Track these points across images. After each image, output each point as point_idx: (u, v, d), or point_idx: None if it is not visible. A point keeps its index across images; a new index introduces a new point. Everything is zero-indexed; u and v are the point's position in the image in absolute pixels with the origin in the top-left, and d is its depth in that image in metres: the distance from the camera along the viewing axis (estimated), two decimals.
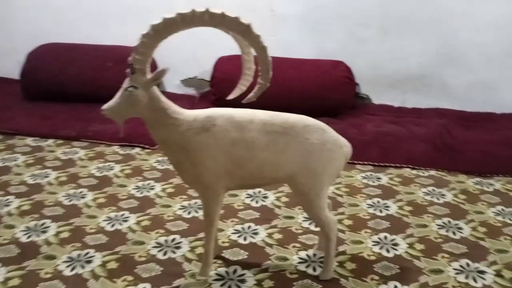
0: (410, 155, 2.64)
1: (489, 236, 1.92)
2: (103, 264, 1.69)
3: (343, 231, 1.93)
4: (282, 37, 3.32)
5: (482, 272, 1.70)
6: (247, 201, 2.16)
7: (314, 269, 1.69)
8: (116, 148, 2.73)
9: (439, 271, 1.70)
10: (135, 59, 1.38)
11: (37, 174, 2.39)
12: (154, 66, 1.79)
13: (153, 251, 1.77)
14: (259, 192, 2.24)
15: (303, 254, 1.78)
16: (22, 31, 3.77)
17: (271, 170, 1.51)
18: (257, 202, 2.16)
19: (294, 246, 1.82)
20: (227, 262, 1.72)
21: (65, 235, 1.87)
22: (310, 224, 1.96)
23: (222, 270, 1.68)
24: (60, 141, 2.79)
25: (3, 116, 3.04)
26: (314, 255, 1.77)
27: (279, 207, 2.12)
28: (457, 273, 1.69)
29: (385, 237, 1.90)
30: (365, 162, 2.59)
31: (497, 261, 1.76)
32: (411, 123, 3.03)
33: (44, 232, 1.88)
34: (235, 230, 1.93)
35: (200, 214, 2.02)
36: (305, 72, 3.22)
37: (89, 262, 1.70)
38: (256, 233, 1.91)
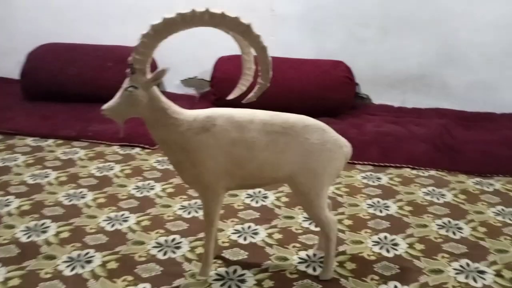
0: (410, 155, 2.64)
1: (489, 236, 1.92)
2: (103, 264, 1.69)
3: (343, 231, 1.93)
4: (282, 37, 3.32)
5: (482, 272, 1.70)
6: (247, 201, 2.16)
7: (314, 269, 1.69)
8: (116, 148, 2.73)
9: (439, 271, 1.70)
10: (135, 59, 1.38)
11: (37, 174, 2.39)
12: (154, 66, 1.79)
13: (153, 251, 1.77)
14: (259, 192, 2.24)
15: (303, 254, 1.78)
16: (22, 31, 3.77)
17: (271, 170, 1.51)
18: (257, 202, 2.16)
19: (294, 246, 1.82)
20: (227, 262, 1.72)
21: (65, 235, 1.87)
22: (310, 224, 1.96)
23: (222, 270, 1.68)
24: (60, 141, 2.79)
25: (3, 116, 3.04)
26: (314, 255, 1.77)
27: (279, 207, 2.12)
28: (457, 273, 1.69)
29: (385, 237, 1.90)
30: (365, 162, 2.59)
31: (497, 261, 1.76)
32: (411, 123, 3.03)
33: (44, 232, 1.88)
34: (235, 230, 1.93)
35: (200, 214, 2.03)
36: (305, 72, 3.22)
37: (89, 262, 1.70)
38: (256, 233, 1.91)
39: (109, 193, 2.22)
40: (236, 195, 2.19)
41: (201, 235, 1.85)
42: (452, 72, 3.29)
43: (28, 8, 3.75)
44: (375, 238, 1.89)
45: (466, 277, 1.67)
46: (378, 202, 2.19)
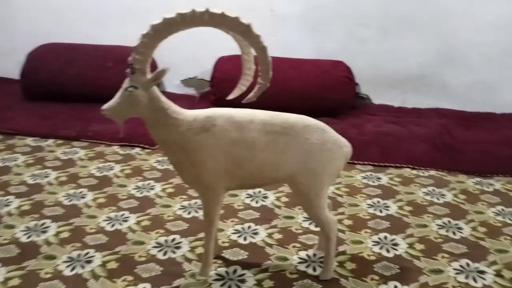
0: (410, 155, 2.63)
1: (489, 236, 1.92)
2: (103, 264, 1.69)
3: (343, 231, 1.93)
4: (282, 37, 3.32)
5: (482, 272, 1.70)
6: (247, 201, 2.16)
7: (314, 269, 1.69)
8: (116, 148, 2.73)
9: (439, 271, 1.70)
10: (135, 59, 1.38)
11: (37, 174, 2.39)
12: (154, 66, 1.79)
13: (153, 251, 1.77)
14: (259, 192, 2.24)
15: (303, 254, 1.78)
16: (22, 31, 3.77)
17: (271, 170, 1.51)
18: (257, 202, 2.16)
19: (294, 246, 1.82)
20: (227, 262, 1.72)
21: (65, 235, 1.87)
22: (310, 224, 1.96)
23: (222, 270, 1.68)
24: (60, 141, 2.79)
25: (3, 116, 3.04)
26: (314, 255, 1.77)
27: (279, 207, 2.12)
28: (457, 273, 1.69)
29: (385, 237, 1.90)
30: (365, 162, 2.59)
31: (497, 261, 1.76)
32: (411, 123, 3.03)
33: (44, 232, 1.88)
34: (235, 230, 1.93)
35: (200, 214, 2.02)
36: (305, 72, 3.22)
37: (89, 262, 1.70)
38: (256, 233, 1.91)
39: (109, 193, 2.22)
40: (236, 195, 2.19)
41: (201, 235, 1.85)
42: (452, 72, 3.29)
43: (28, 8, 3.75)
44: (375, 238, 1.89)
45: (466, 277, 1.67)
46: (378, 202, 2.19)
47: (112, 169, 2.47)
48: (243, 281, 1.62)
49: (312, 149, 1.48)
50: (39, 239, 1.83)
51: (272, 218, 2.02)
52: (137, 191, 2.24)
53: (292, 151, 1.48)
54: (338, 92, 3.18)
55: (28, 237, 1.85)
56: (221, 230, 1.89)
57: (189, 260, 1.73)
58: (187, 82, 3.68)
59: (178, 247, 1.80)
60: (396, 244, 1.85)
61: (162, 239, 1.85)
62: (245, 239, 1.87)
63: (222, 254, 1.76)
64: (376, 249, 1.82)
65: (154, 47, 1.38)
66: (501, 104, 3.22)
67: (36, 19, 3.73)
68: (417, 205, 2.17)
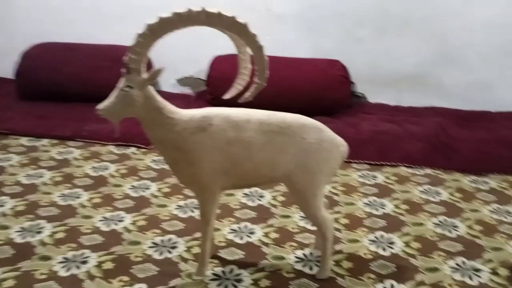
0: (406, 154, 2.64)
1: (484, 234, 1.93)
2: (99, 265, 1.68)
3: (339, 230, 1.93)
4: (279, 36, 3.32)
5: (478, 270, 1.71)
6: (244, 200, 2.16)
7: (311, 268, 1.69)
8: (111, 147, 2.72)
9: (435, 269, 1.70)
10: (131, 58, 1.37)
11: (31, 174, 2.38)
12: (149, 65, 1.78)
13: (149, 251, 1.77)
14: (256, 191, 2.23)
15: (299, 253, 1.78)
16: (21, 31, 3.74)
17: (268, 170, 1.50)
18: (253, 201, 2.15)
19: (290, 245, 1.82)
20: (224, 262, 1.72)
21: (60, 235, 1.86)
22: (306, 223, 1.96)
23: (218, 269, 1.67)
24: (55, 141, 2.78)
25: None
26: (311, 254, 1.77)
27: (275, 206, 2.12)
28: (453, 271, 1.70)
29: (382, 236, 1.90)
30: (361, 161, 2.60)
31: (493, 259, 1.77)
32: (407, 122, 3.04)
33: (39, 232, 1.87)
34: (232, 229, 1.93)
35: (196, 213, 2.02)
36: (301, 71, 3.22)
37: (84, 262, 1.69)
38: (252, 233, 1.91)
39: (104, 193, 2.21)
40: (232, 195, 2.18)
41: (197, 234, 1.84)
42: (447, 71, 3.30)
43: (27, 8, 3.72)
44: (371, 236, 1.89)
45: (462, 275, 1.67)
46: (375, 200, 2.19)
47: (107, 169, 2.45)
48: (239, 280, 1.62)
49: (308, 148, 1.48)
50: (34, 240, 1.82)
51: (269, 217, 2.02)
52: (133, 191, 2.23)
53: (289, 150, 1.48)
54: (334, 91, 3.18)
55: (23, 237, 1.83)
56: (217, 229, 1.89)
57: (185, 260, 1.72)
58: (183, 81, 3.66)
59: (174, 247, 1.80)
60: (392, 243, 1.85)
61: (158, 239, 1.84)
62: (241, 238, 1.87)
63: (219, 254, 1.76)
64: (373, 247, 1.82)
65: (150, 46, 1.37)
66: (496, 103, 3.24)
67: (34, 19, 3.71)
68: (413, 203, 2.18)
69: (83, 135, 2.81)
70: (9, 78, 3.61)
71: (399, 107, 3.37)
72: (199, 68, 3.50)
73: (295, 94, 3.13)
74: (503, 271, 1.70)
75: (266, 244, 1.83)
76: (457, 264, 1.73)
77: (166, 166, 1.89)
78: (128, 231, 1.90)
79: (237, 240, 1.85)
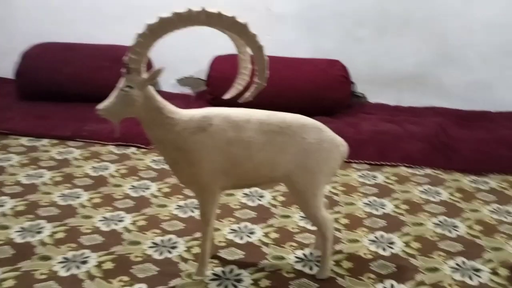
0: (406, 154, 2.64)
1: (484, 234, 1.93)
2: (99, 265, 1.68)
3: (339, 230, 1.93)
4: (279, 36, 3.32)
5: (478, 270, 1.71)
6: (244, 200, 2.16)
7: (311, 268, 1.69)
8: (111, 147, 2.72)
9: (435, 269, 1.70)
10: (131, 58, 1.37)
11: (31, 174, 2.37)
12: (149, 65, 1.78)
13: (149, 251, 1.77)
14: (256, 191, 2.23)
15: (299, 253, 1.78)
16: (21, 31, 3.74)
17: (268, 170, 1.50)
18: (253, 201, 2.15)
19: (290, 245, 1.82)
20: (224, 262, 1.72)
21: (60, 235, 1.85)
22: (306, 223, 1.96)
23: (218, 269, 1.67)
24: (55, 141, 2.77)
25: None
26: (311, 254, 1.77)
27: (275, 206, 2.12)
28: (453, 271, 1.70)
29: (382, 236, 1.90)
30: (361, 161, 2.60)
31: (493, 259, 1.77)
32: (407, 122, 3.04)
33: (39, 232, 1.87)
34: (232, 229, 1.93)
35: (196, 213, 2.02)
36: (301, 71, 3.22)
37: (84, 262, 1.69)
38: (252, 233, 1.91)
39: (104, 193, 2.21)
40: (232, 195, 2.18)
41: (197, 234, 1.84)
42: (447, 71, 3.30)
43: (26, 8, 3.72)
44: (371, 236, 1.89)
45: (462, 275, 1.67)
46: (375, 200, 2.19)
47: (107, 169, 2.45)
48: (239, 280, 1.62)
49: (308, 149, 1.48)
50: (34, 240, 1.82)
51: (269, 217, 2.02)
52: (133, 191, 2.23)
53: (289, 150, 1.48)
54: (334, 91, 3.18)
55: (23, 237, 1.83)
56: (217, 229, 1.89)
57: (185, 260, 1.72)
58: (183, 81, 3.66)
59: (174, 247, 1.80)
60: (392, 243, 1.85)
61: (158, 239, 1.84)
62: (241, 238, 1.87)
63: (219, 254, 1.76)
64: (373, 247, 1.82)
65: (150, 46, 1.37)
66: (496, 103, 3.24)
67: (35, 19, 3.71)
68: (413, 203, 2.18)
69: (83, 135, 2.81)
70: (9, 78, 3.61)
71: (399, 107, 3.37)
72: (199, 68, 3.50)
73: (295, 94, 3.13)
74: (503, 271, 1.70)
75: (266, 244, 1.83)
76: (457, 264, 1.73)
77: (166, 166, 1.89)
78: (128, 231, 1.90)
79: (237, 240, 1.85)
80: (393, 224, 1.99)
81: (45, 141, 2.77)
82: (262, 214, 2.04)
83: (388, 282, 1.63)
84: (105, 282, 1.60)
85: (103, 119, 1.46)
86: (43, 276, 1.61)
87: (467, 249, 1.82)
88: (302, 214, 2.00)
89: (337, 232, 1.90)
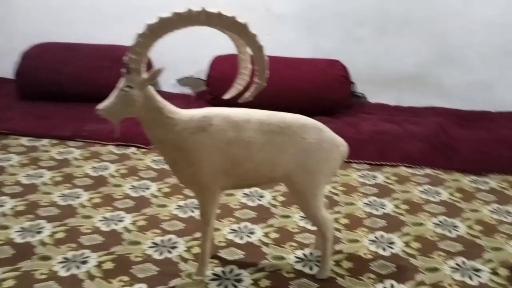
0: (406, 154, 2.64)
1: (484, 234, 1.93)
2: (99, 265, 1.68)
3: (339, 230, 1.93)
4: (279, 36, 3.32)
5: (478, 270, 1.71)
6: (244, 200, 2.16)
7: (311, 268, 1.69)
8: (111, 147, 2.72)
9: (435, 269, 1.70)
10: (131, 58, 1.37)
11: (31, 174, 2.37)
12: (149, 65, 1.78)
13: (149, 251, 1.77)
14: (256, 191, 2.23)
15: (299, 253, 1.78)
16: (21, 31, 3.74)
17: (268, 170, 1.50)
18: (253, 201, 2.15)
19: (290, 245, 1.82)
20: (224, 262, 1.72)
21: (60, 235, 1.85)
22: (306, 223, 1.96)
23: (218, 269, 1.67)
24: (55, 141, 2.77)
25: None
26: (311, 254, 1.77)
27: (275, 206, 2.12)
28: (453, 271, 1.70)
29: (382, 236, 1.90)
30: (361, 161, 2.60)
31: (493, 259, 1.77)
32: (407, 122, 3.04)
33: (39, 232, 1.87)
34: (232, 229, 1.93)
35: (196, 213, 2.02)
36: (301, 71, 3.22)
37: (84, 262, 1.69)
38: (252, 233, 1.91)
39: (104, 193, 2.21)
40: (232, 195, 2.18)
41: (197, 234, 1.84)
42: (448, 71, 3.30)
43: (26, 8, 3.72)
44: (371, 236, 1.89)
45: (462, 275, 1.67)
46: (375, 200, 2.19)
47: (107, 169, 2.45)
48: (239, 280, 1.62)
49: (309, 149, 1.48)
50: (34, 240, 1.82)
51: (269, 217, 2.02)
52: (133, 191, 2.23)
53: (289, 150, 1.48)
54: (334, 91, 3.18)
55: (23, 237, 1.83)
56: (217, 229, 1.89)
57: (185, 260, 1.72)
58: (183, 81, 3.66)
59: (174, 247, 1.80)
60: (392, 243, 1.85)
61: (158, 239, 1.84)
62: (241, 238, 1.87)
63: (219, 254, 1.76)
64: (373, 247, 1.82)
65: (150, 46, 1.37)
66: (496, 103, 3.24)
67: (35, 19, 3.71)
68: (413, 203, 2.18)
69: (83, 135, 2.81)
70: (9, 78, 3.61)
71: (399, 107, 3.37)
72: (199, 68, 3.50)
73: (295, 94, 3.13)
74: (503, 271, 1.70)
75: (266, 244, 1.83)
76: (457, 264, 1.73)
77: (166, 166, 1.89)
78: (128, 231, 1.90)
79: (237, 240, 1.85)
80: (393, 224, 1.99)
81: (45, 141, 2.77)
82: (262, 214, 2.04)
83: (388, 282, 1.63)
84: (105, 282, 1.60)
85: (103, 119, 1.46)
86: (43, 276, 1.61)
87: (467, 249, 1.82)
88: (302, 214, 2.00)
89: (337, 232, 1.90)
